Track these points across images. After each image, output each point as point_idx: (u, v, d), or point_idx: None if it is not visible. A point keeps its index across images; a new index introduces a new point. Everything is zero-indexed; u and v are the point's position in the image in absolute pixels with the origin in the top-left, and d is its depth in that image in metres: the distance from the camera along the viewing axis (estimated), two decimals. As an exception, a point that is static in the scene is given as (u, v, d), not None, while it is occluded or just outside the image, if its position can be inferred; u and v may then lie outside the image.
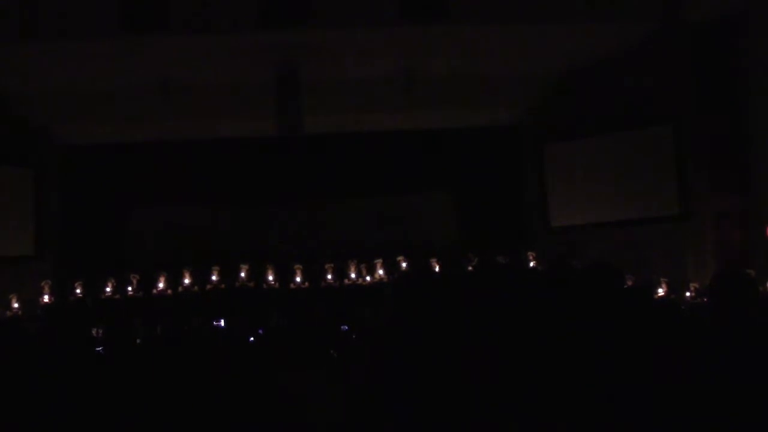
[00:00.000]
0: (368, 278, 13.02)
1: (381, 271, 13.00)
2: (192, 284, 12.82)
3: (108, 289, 12.75)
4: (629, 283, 9.62)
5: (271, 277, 12.95)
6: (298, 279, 12.94)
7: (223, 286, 12.81)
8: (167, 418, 4.52)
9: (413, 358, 2.84)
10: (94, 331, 10.16)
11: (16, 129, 13.19)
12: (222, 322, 11.59)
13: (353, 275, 13.04)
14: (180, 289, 12.80)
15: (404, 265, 12.92)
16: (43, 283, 12.68)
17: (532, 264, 12.84)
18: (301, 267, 13.00)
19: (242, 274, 12.95)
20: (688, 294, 11.44)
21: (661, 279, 11.70)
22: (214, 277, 12.87)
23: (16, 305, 12.29)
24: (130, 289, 12.79)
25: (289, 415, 5.28)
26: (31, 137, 13.47)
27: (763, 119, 11.53)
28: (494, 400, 2.87)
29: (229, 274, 12.94)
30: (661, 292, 11.55)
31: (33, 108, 13.04)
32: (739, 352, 3.46)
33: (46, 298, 12.57)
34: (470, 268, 12.54)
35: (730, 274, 4.12)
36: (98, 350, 6.07)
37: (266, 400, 5.22)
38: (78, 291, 12.65)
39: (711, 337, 3.72)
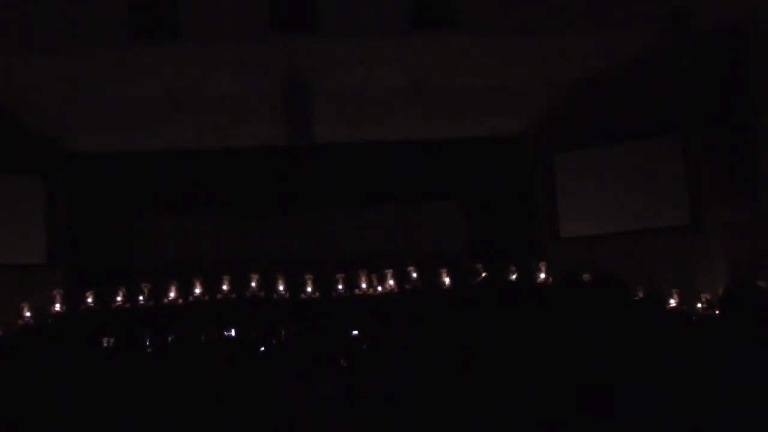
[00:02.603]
0: (379, 288, 12.98)
1: (391, 281, 12.97)
2: (203, 294, 12.81)
3: (119, 298, 12.75)
4: (639, 294, 9.62)
5: (281, 287, 12.94)
6: (308, 289, 12.92)
7: (233, 295, 12.80)
8: (177, 426, 4.54)
9: (434, 374, 2.87)
10: (104, 341, 10.21)
11: (26, 138, 13.24)
12: (233, 332, 11.61)
13: (364, 285, 13.01)
14: (191, 298, 12.79)
15: (414, 275, 12.90)
16: (54, 292, 12.71)
17: (542, 275, 12.81)
18: (311, 277, 12.98)
19: (253, 284, 12.94)
20: (699, 305, 11.42)
21: (673, 290, 11.67)
22: (224, 287, 12.86)
23: (27, 314, 12.33)
24: (141, 298, 12.78)
25: (298, 426, 5.29)
26: (42, 146, 13.51)
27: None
28: (513, 414, 2.88)
29: (239, 284, 12.94)
30: (672, 302, 11.53)
31: (43, 117, 13.08)
32: (750, 363, 3.46)
33: (57, 307, 12.59)
34: (480, 278, 12.57)
35: (741, 285, 4.11)
36: (106, 361, 6.10)
37: (275, 410, 5.23)
38: (89, 300, 12.68)
39: (722, 348, 3.71)
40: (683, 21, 11.81)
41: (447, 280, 12.77)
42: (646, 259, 12.39)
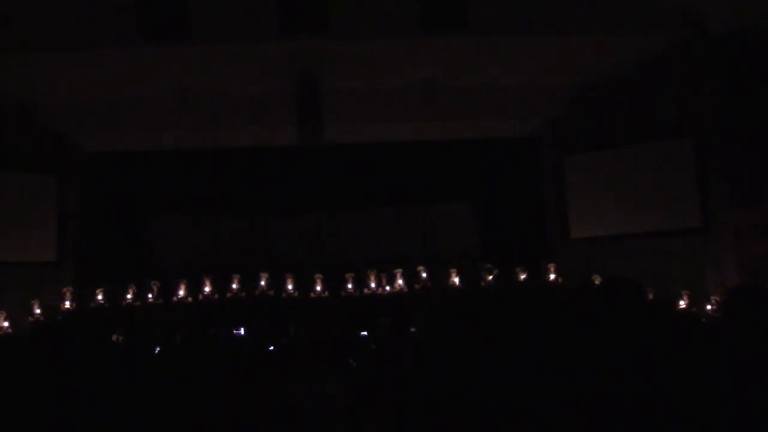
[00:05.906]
0: (388, 288, 12.99)
1: (401, 281, 12.97)
2: (212, 292, 12.84)
3: (128, 296, 12.79)
4: (649, 296, 9.59)
5: (290, 286, 12.95)
6: (318, 288, 12.94)
7: (243, 294, 12.82)
8: (185, 425, 4.54)
9: (445, 375, 2.87)
10: (114, 338, 10.21)
11: (39, 137, 13.31)
12: (242, 331, 11.61)
13: (373, 285, 13.01)
14: (200, 297, 12.83)
15: (424, 275, 12.90)
16: (64, 290, 12.76)
17: (552, 276, 12.80)
18: (321, 276, 12.99)
19: (262, 283, 12.96)
20: (708, 307, 11.39)
21: (683, 291, 11.65)
22: (234, 285, 12.89)
23: (38, 311, 12.39)
24: (150, 296, 12.82)
25: (306, 426, 5.29)
26: (54, 145, 13.58)
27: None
28: (522, 415, 2.88)
29: (249, 283, 12.95)
30: (682, 304, 11.51)
31: (56, 116, 13.16)
32: (757, 367, 3.44)
33: (67, 304, 12.65)
34: (490, 278, 12.56)
35: (746, 288, 4.09)
36: (115, 358, 6.09)
37: (283, 409, 5.23)
38: (99, 297, 12.72)
39: (729, 351, 3.70)
40: (696, 24, 11.78)
41: (457, 281, 12.78)
42: (656, 261, 12.35)
